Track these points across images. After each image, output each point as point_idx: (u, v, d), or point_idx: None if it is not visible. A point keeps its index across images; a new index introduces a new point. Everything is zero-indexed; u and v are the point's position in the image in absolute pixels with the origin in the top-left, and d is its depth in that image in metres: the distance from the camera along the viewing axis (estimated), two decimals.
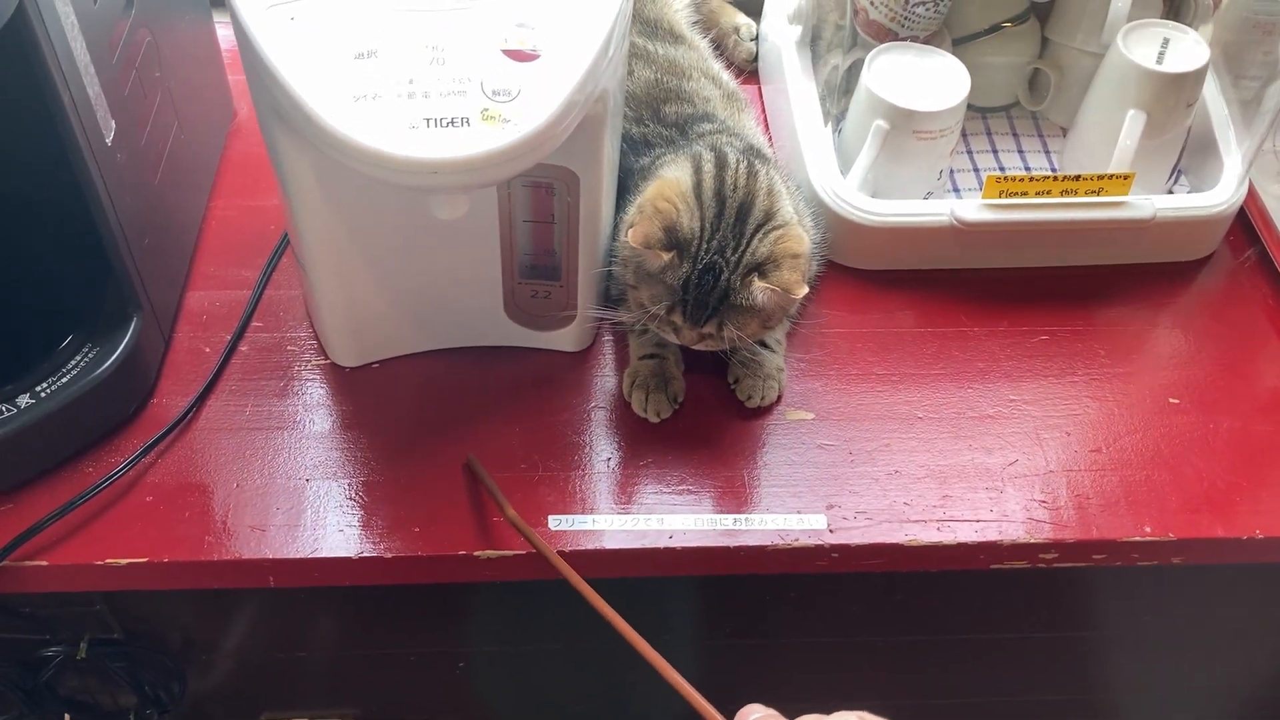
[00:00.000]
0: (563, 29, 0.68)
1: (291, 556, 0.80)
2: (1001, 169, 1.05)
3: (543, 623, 0.99)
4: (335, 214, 0.77)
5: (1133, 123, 0.94)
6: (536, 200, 0.81)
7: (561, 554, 0.80)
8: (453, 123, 0.64)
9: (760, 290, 0.77)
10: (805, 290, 0.78)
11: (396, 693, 1.06)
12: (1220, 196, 0.96)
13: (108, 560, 0.78)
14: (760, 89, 1.13)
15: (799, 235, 0.80)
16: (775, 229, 0.80)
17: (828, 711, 0.53)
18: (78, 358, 0.82)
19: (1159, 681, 1.18)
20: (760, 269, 0.78)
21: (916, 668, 1.12)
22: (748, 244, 0.79)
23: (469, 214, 0.78)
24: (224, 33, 1.03)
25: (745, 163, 0.83)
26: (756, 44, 1.14)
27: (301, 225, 0.79)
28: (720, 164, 0.82)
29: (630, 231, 0.78)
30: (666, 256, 0.78)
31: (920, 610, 1.03)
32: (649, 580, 0.89)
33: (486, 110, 0.65)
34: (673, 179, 0.81)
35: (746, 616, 1.03)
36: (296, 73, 0.65)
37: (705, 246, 0.79)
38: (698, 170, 0.82)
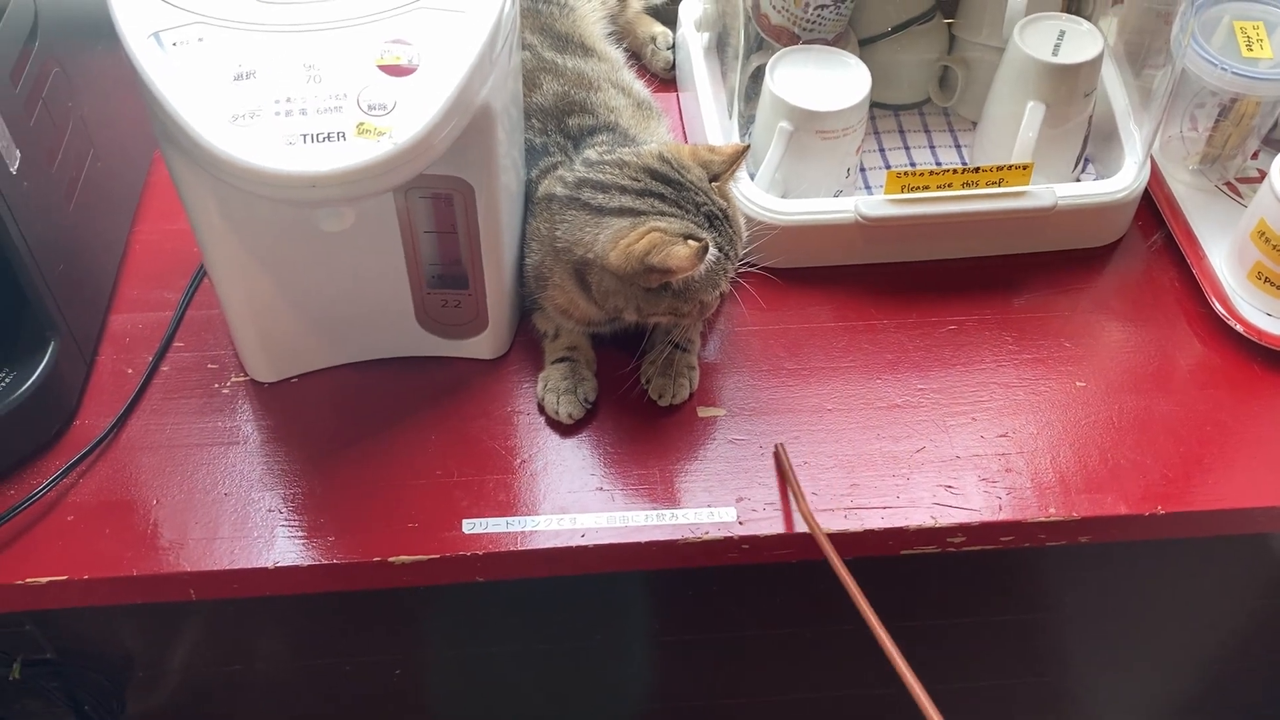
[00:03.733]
0: (438, 44, 0.70)
1: (210, 569, 0.81)
2: (913, 164, 1.07)
3: (473, 626, 1.01)
4: (235, 232, 0.79)
5: (1032, 114, 0.96)
6: (437, 211, 0.83)
7: (475, 557, 0.82)
8: (329, 137, 0.66)
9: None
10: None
11: (335, 702, 1.07)
12: (1121, 183, 0.98)
13: (28, 579, 0.80)
14: (678, 97, 1.15)
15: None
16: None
17: None
18: None
19: (1105, 662, 1.19)
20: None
21: (861, 656, 1.14)
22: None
23: (369, 226, 0.81)
24: None
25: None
26: (673, 53, 1.16)
27: (206, 244, 0.81)
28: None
29: (683, 259, 0.78)
30: (711, 253, 0.80)
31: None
32: (582, 579, 0.91)
33: (362, 124, 0.67)
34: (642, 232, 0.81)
35: (684, 612, 1.05)
36: (178, 95, 0.67)
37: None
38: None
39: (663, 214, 0.82)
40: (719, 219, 0.83)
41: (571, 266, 0.85)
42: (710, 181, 0.84)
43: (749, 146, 0.88)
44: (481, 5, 0.72)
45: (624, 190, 0.84)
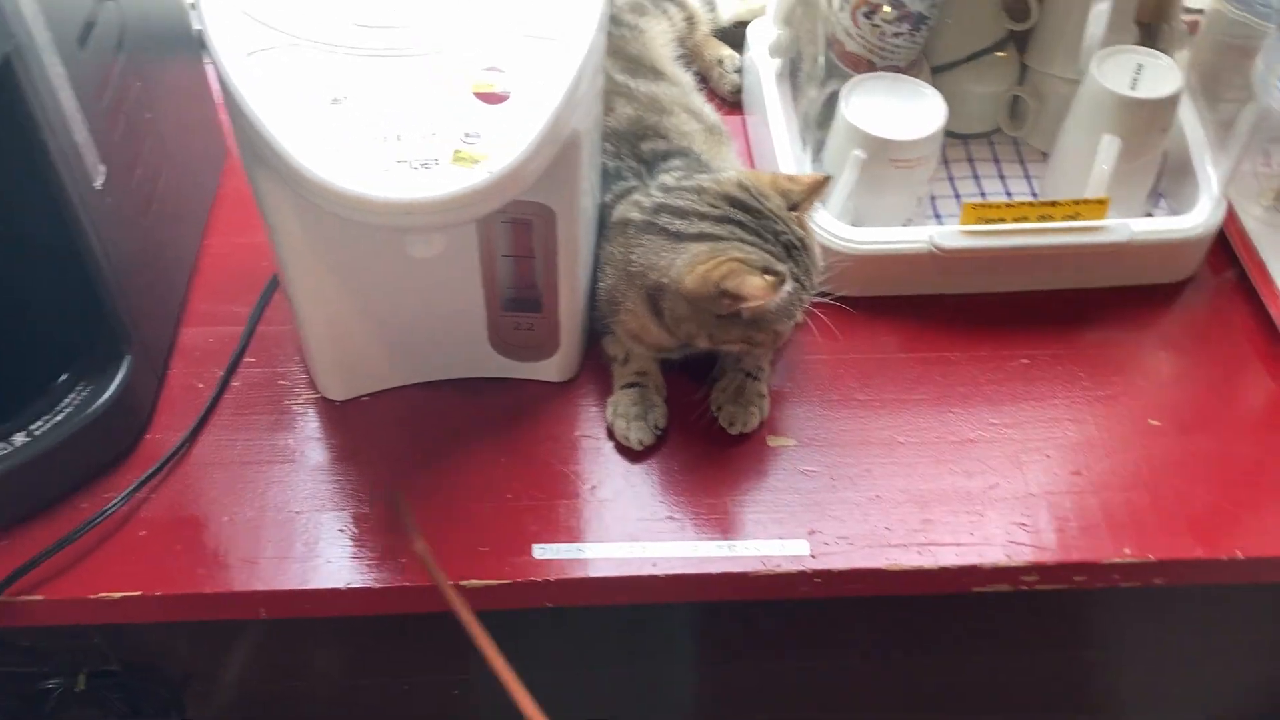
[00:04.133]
0: (532, 71, 0.69)
1: (282, 588, 0.81)
2: (983, 194, 1.06)
3: (533, 650, 1.00)
4: (318, 252, 0.79)
5: (1108, 148, 0.95)
6: (516, 235, 0.83)
7: (547, 583, 0.82)
8: (425, 164, 0.66)
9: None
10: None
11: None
12: (1196, 219, 0.97)
13: (101, 594, 0.80)
14: (744, 120, 1.14)
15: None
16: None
17: None
18: (71, 395, 0.84)
19: (1156, 701, 1.18)
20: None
21: (917, 688, 1.13)
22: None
23: (450, 250, 0.80)
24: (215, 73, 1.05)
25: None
26: (740, 76, 1.15)
27: (287, 263, 0.81)
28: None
29: (758, 289, 0.78)
30: (786, 287, 0.80)
31: (918, 631, 1.04)
32: (644, 605, 0.90)
33: (458, 152, 0.66)
34: (720, 259, 0.81)
35: (739, 640, 1.04)
36: (274, 117, 0.67)
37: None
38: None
39: (741, 242, 0.82)
40: (797, 249, 0.83)
41: (645, 291, 0.85)
42: (789, 210, 0.84)
43: (829, 178, 0.87)
44: (575, 33, 0.72)
45: (703, 217, 0.83)
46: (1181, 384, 0.95)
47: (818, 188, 0.85)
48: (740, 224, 0.82)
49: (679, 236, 0.83)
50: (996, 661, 1.09)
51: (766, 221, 0.83)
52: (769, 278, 0.78)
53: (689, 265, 0.81)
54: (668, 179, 0.88)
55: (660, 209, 0.85)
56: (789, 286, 0.80)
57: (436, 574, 0.79)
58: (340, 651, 1.00)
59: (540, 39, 0.71)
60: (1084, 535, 0.85)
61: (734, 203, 0.83)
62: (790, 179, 0.86)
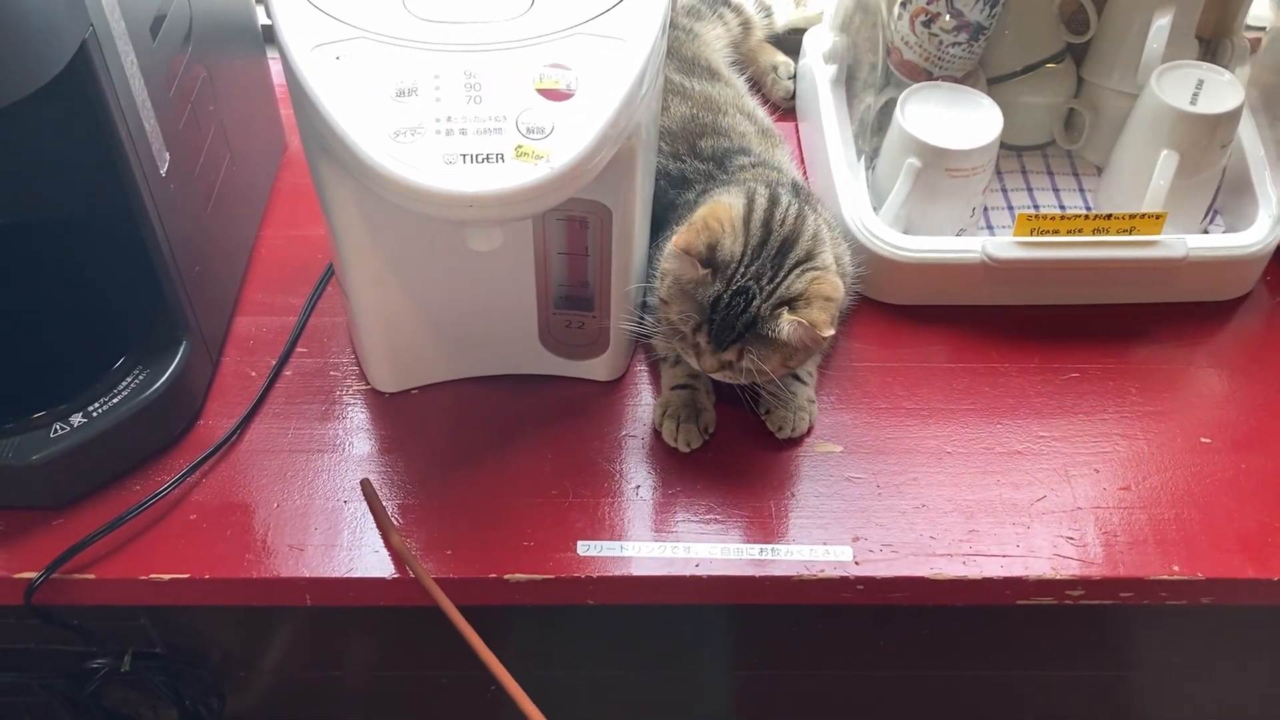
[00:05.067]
0: (596, 69, 0.70)
1: (328, 576, 0.82)
2: (1036, 207, 1.06)
3: (575, 648, 1.00)
4: (377, 244, 0.80)
5: (1166, 163, 0.94)
6: (571, 233, 0.83)
7: (589, 579, 0.82)
8: (488, 159, 0.67)
9: (788, 323, 0.78)
10: (832, 332, 0.79)
11: (429, 714, 1.07)
12: (1254, 237, 0.96)
13: (151, 575, 0.81)
14: (797, 125, 1.15)
15: (835, 281, 0.81)
16: (814, 270, 0.82)
17: None
18: (129, 379, 0.85)
19: None
20: (791, 304, 0.80)
21: (949, 703, 1.12)
22: (784, 277, 0.81)
23: (506, 246, 0.81)
24: (277, 68, 1.07)
25: (796, 205, 0.84)
26: (794, 82, 1.15)
27: (345, 254, 0.82)
28: (773, 201, 0.84)
29: (675, 238, 0.80)
30: (703, 271, 0.80)
31: (951, 644, 1.03)
32: (679, 607, 0.90)
33: (520, 147, 0.67)
34: (725, 203, 0.83)
35: (775, 646, 1.04)
36: (340, 109, 0.68)
37: (742, 271, 0.80)
38: (750, 201, 0.84)
39: None
40: None
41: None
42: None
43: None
44: (638, 33, 0.72)
45: None
46: (1234, 402, 0.94)
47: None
48: None
49: None
50: (1032, 678, 1.08)
51: None
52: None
53: None
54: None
55: None
56: None
57: (417, 568, 0.80)
58: (378, 643, 1.01)
59: (605, 38, 0.71)
60: (1132, 551, 0.84)
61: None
62: None
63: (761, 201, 0.83)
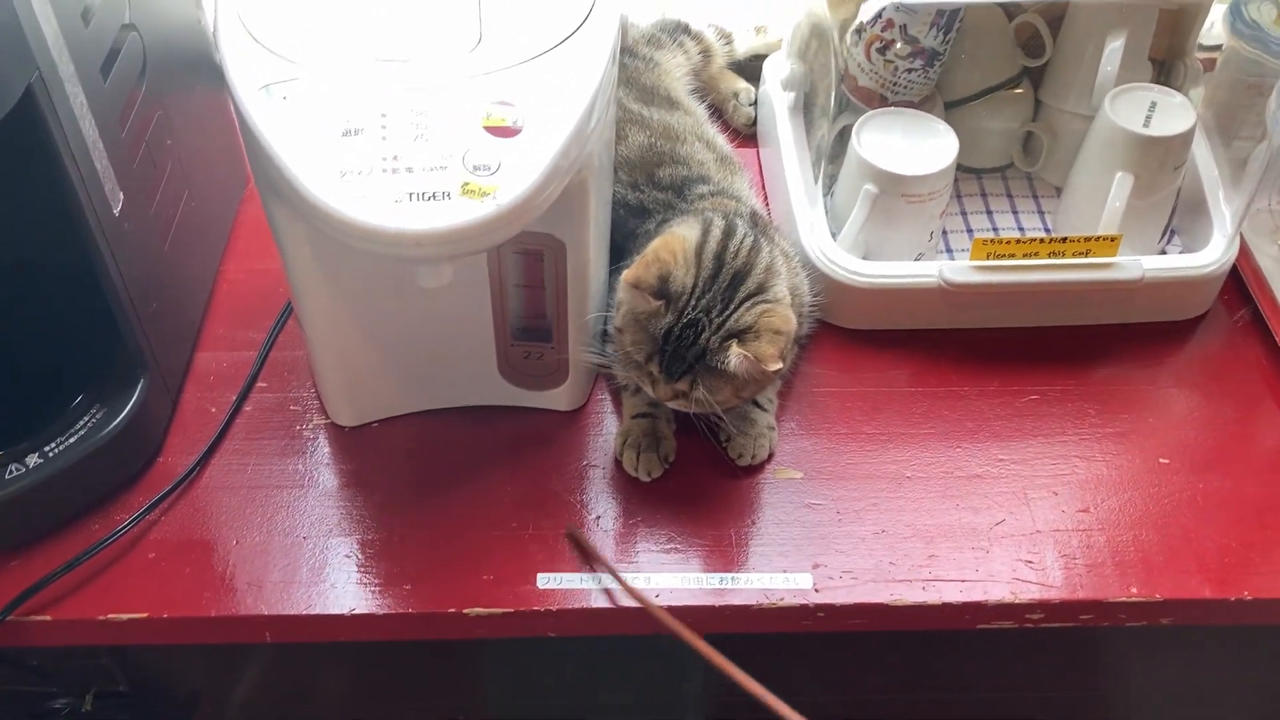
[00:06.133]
0: (543, 104, 0.70)
1: (287, 613, 0.82)
2: (995, 229, 1.06)
3: (537, 682, 1.00)
4: (330, 281, 0.80)
5: (1120, 185, 0.95)
6: (527, 265, 0.83)
7: (549, 613, 0.82)
8: (434, 196, 0.67)
9: (735, 356, 0.79)
10: (779, 366, 0.79)
11: None
12: (1209, 257, 0.97)
13: (109, 616, 0.81)
14: (758, 152, 1.15)
15: (786, 314, 0.82)
16: (764, 303, 0.82)
17: None
18: (86, 417, 0.85)
19: None
20: (740, 336, 0.80)
21: None
22: (734, 310, 0.81)
23: (461, 280, 0.81)
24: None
25: (751, 237, 0.85)
26: (755, 109, 1.16)
27: (299, 291, 0.82)
28: (727, 232, 0.84)
29: (626, 272, 0.81)
30: (655, 304, 0.80)
31: (921, 668, 1.03)
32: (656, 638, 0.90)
33: (467, 184, 0.67)
34: (679, 235, 0.83)
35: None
36: (287, 149, 0.68)
37: (693, 303, 0.81)
38: (705, 232, 0.84)
39: None
40: None
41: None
42: None
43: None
44: (584, 68, 0.72)
45: None
46: (1193, 422, 0.94)
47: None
48: None
49: None
50: (1005, 700, 1.08)
51: None
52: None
53: None
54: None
55: None
56: None
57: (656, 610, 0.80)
58: (346, 679, 1.00)
59: (552, 73, 0.72)
60: (1091, 573, 0.84)
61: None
62: None
63: (716, 233, 0.84)
